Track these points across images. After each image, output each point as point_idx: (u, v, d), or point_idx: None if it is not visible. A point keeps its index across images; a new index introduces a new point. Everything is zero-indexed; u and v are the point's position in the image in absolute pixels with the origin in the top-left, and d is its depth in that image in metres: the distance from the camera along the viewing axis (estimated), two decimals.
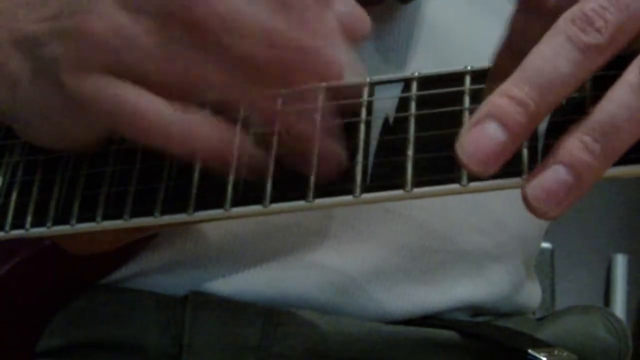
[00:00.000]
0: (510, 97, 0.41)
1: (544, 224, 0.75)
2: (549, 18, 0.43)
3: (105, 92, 0.48)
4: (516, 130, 0.41)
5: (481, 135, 0.41)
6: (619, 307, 2.07)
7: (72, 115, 0.50)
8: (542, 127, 0.45)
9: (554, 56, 0.41)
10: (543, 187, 0.41)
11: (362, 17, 0.46)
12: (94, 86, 0.48)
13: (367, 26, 0.46)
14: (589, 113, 0.42)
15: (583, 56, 0.41)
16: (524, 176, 0.44)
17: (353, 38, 0.46)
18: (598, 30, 0.41)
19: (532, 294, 0.74)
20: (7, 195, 0.55)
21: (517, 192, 0.46)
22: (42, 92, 0.51)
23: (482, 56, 0.48)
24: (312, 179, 0.48)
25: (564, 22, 0.42)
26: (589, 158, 0.41)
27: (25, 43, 0.52)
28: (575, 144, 0.41)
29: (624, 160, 0.42)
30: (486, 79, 0.47)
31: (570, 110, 0.44)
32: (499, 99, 0.41)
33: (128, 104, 0.48)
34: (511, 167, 0.44)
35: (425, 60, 0.63)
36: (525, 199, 0.42)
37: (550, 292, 1.61)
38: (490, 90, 0.42)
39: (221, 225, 0.63)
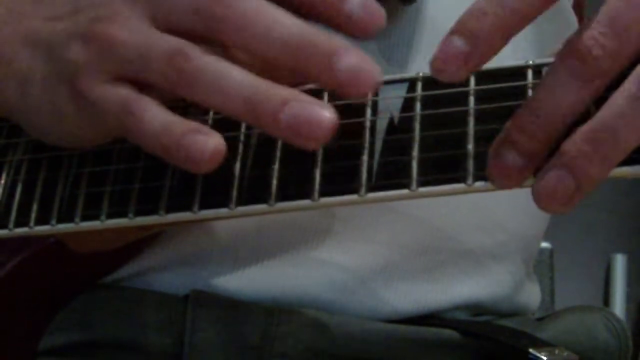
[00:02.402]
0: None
1: (544, 224, 0.75)
2: None
3: (119, 99, 0.48)
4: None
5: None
6: (619, 307, 2.07)
7: (83, 116, 0.50)
8: None
9: (559, 91, 0.43)
10: (547, 188, 0.43)
11: (377, 10, 0.47)
12: (109, 93, 0.49)
13: (382, 19, 0.47)
14: (590, 120, 0.43)
15: (585, 85, 0.43)
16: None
17: (367, 31, 0.46)
18: (596, 59, 0.42)
19: (532, 294, 0.74)
20: (11, 193, 0.55)
21: (518, 193, 0.46)
22: (55, 92, 0.51)
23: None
24: (317, 178, 0.48)
25: (564, 55, 0.43)
26: (588, 164, 0.42)
27: (38, 42, 0.52)
28: (576, 151, 0.43)
29: (624, 160, 0.43)
30: None
31: None
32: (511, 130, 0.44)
33: (137, 113, 0.48)
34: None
35: (428, 60, 0.63)
36: (533, 197, 0.44)
37: (550, 292, 1.61)
38: None
39: (223, 223, 0.63)
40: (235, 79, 0.47)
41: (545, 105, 0.43)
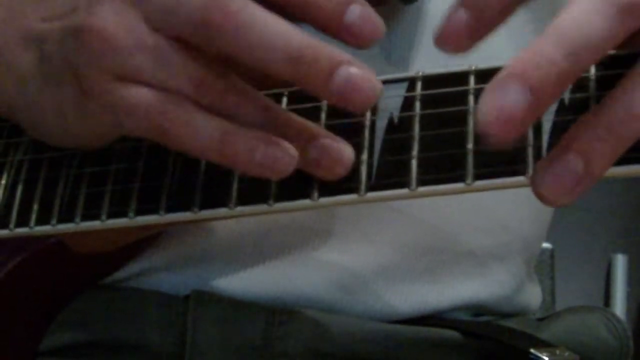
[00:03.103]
0: (541, 56, 0.40)
1: (546, 225, 0.75)
2: None
3: (113, 92, 0.48)
4: (542, 92, 0.40)
5: (504, 96, 0.39)
6: (619, 307, 2.08)
7: (82, 114, 0.50)
8: (547, 126, 0.45)
9: (590, 15, 0.40)
10: (554, 174, 0.41)
11: (377, 21, 0.46)
12: (103, 87, 0.49)
13: (381, 30, 0.46)
14: (601, 105, 0.41)
15: (619, 15, 0.40)
16: (529, 175, 0.45)
17: (366, 42, 0.46)
18: None
19: (533, 295, 0.74)
20: (12, 193, 0.55)
21: (519, 193, 0.46)
22: (53, 91, 0.51)
23: (485, 56, 0.48)
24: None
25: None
26: (599, 146, 0.41)
27: (36, 41, 0.52)
28: (587, 134, 0.41)
29: (624, 160, 0.43)
30: None
31: (574, 110, 0.44)
32: (527, 57, 0.40)
33: (132, 104, 0.48)
34: (516, 166, 0.45)
35: (428, 60, 0.63)
36: (535, 187, 0.42)
37: (550, 292, 1.61)
38: None
39: (224, 223, 0.63)
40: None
41: (572, 30, 0.40)
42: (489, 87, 0.40)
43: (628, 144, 0.41)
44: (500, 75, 0.40)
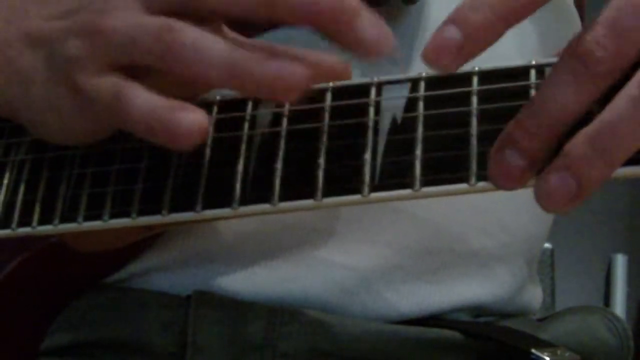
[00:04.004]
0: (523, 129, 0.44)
1: (547, 226, 0.75)
2: None
3: (110, 86, 0.49)
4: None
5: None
6: (619, 307, 2.08)
7: (81, 110, 0.51)
8: None
9: (562, 92, 0.43)
10: (549, 189, 0.43)
11: (387, 33, 0.47)
12: (102, 82, 0.49)
13: (390, 42, 0.47)
14: (593, 123, 0.43)
15: (587, 86, 0.43)
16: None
17: (374, 52, 0.47)
18: (598, 61, 0.42)
19: (534, 295, 0.74)
20: (14, 193, 0.55)
21: (521, 194, 0.46)
22: (56, 89, 0.51)
23: (487, 57, 0.48)
24: (320, 178, 0.48)
25: (567, 57, 0.43)
26: (589, 166, 0.42)
27: (40, 41, 0.52)
28: (578, 152, 0.43)
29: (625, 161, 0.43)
30: None
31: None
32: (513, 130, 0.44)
33: (125, 97, 0.49)
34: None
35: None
36: (535, 197, 0.44)
37: (550, 292, 1.61)
38: None
39: (225, 223, 0.63)
40: (218, 45, 0.48)
41: (547, 105, 0.43)
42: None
43: (622, 158, 0.43)
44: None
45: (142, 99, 0.49)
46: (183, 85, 0.50)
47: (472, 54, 0.44)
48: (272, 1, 0.47)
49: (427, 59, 0.44)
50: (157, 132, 0.48)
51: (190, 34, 0.48)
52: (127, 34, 0.49)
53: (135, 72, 0.50)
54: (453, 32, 0.44)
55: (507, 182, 0.44)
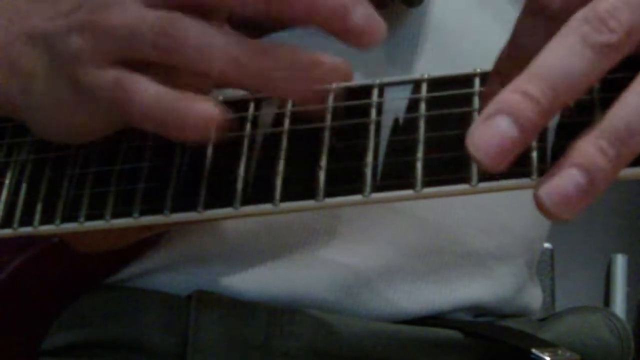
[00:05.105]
0: (524, 94, 0.40)
1: (547, 226, 0.75)
2: (553, 22, 0.43)
3: (112, 79, 0.49)
4: (527, 127, 0.40)
5: (492, 129, 0.40)
6: (619, 307, 2.08)
7: (84, 105, 0.51)
8: (551, 129, 0.45)
9: (568, 55, 0.41)
10: (558, 189, 0.41)
11: (379, 23, 0.47)
12: (104, 76, 0.49)
13: (383, 32, 0.47)
14: (603, 117, 0.41)
15: (597, 56, 0.41)
16: (533, 177, 0.45)
17: (366, 43, 0.46)
18: (612, 30, 0.41)
19: (534, 296, 0.74)
20: (16, 193, 0.55)
21: (521, 194, 0.46)
22: (57, 87, 0.51)
23: (489, 58, 0.48)
24: (322, 178, 0.49)
25: (576, 21, 0.41)
26: (603, 161, 0.41)
27: (42, 40, 0.52)
28: (591, 148, 0.41)
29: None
30: (487, 81, 0.47)
31: (578, 113, 0.44)
32: (511, 95, 0.40)
33: (129, 90, 0.49)
34: (520, 168, 0.45)
35: (432, 62, 0.63)
36: (538, 201, 0.41)
37: (550, 292, 1.61)
38: (491, 92, 0.43)
39: (226, 223, 0.63)
40: (220, 39, 0.48)
41: (553, 69, 0.41)
42: (478, 119, 0.40)
43: (631, 157, 0.41)
44: (487, 110, 0.41)
45: (147, 90, 0.49)
46: (185, 85, 0.50)
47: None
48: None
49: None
50: (164, 123, 0.48)
51: (194, 28, 0.48)
52: (128, 27, 0.49)
53: (138, 67, 0.50)
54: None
55: (494, 155, 0.40)
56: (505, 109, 0.40)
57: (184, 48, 0.48)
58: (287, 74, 0.47)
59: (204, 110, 0.48)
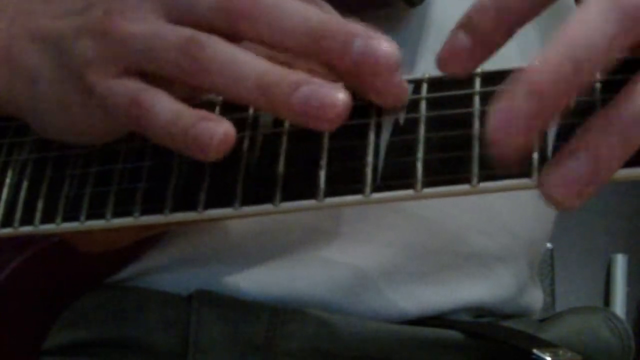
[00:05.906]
0: (549, 64, 0.40)
1: (549, 228, 0.75)
2: None
3: (127, 91, 0.49)
4: (548, 97, 0.40)
5: (511, 100, 0.40)
6: (619, 307, 2.08)
7: (92, 111, 0.51)
8: (552, 130, 0.45)
9: (596, 22, 0.40)
10: (563, 174, 0.41)
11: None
12: (118, 86, 0.49)
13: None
14: (610, 105, 0.41)
15: (626, 23, 0.40)
16: (533, 177, 0.45)
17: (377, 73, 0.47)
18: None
19: (535, 297, 0.74)
20: (17, 192, 0.55)
21: (523, 195, 0.46)
22: (64, 88, 0.51)
23: (490, 58, 0.48)
24: (322, 178, 0.49)
25: None
26: (608, 147, 0.40)
27: (47, 39, 0.52)
28: (596, 135, 0.41)
29: (625, 163, 0.42)
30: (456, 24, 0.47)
31: (580, 114, 0.44)
32: (535, 64, 0.40)
33: (146, 105, 0.48)
34: (521, 168, 0.45)
35: (433, 62, 0.63)
36: (543, 188, 0.41)
37: (550, 292, 1.61)
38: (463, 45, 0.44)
39: (227, 223, 0.63)
40: (248, 64, 0.47)
41: (580, 39, 0.40)
42: (497, 93, 0.41)
43: (637, 145, 0.41)
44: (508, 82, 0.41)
45: (164, 109, 0.48)
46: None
47: (483, 59, 0.44)
48: (322, 37, 0.47)
49: (439, 65, 0.44)
50: (182, 143, 0.48)
51: (221, 49, 0.48)
52: (146, 42, 0.48)
53: (152, 77, 0.50)
54: (462, 37, 0.44)
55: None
56: (527, 79, 0.40)
57: (209, 74, 0.48)
58: (320, 113, 0.46)
59: (225, 131, 0.47)
